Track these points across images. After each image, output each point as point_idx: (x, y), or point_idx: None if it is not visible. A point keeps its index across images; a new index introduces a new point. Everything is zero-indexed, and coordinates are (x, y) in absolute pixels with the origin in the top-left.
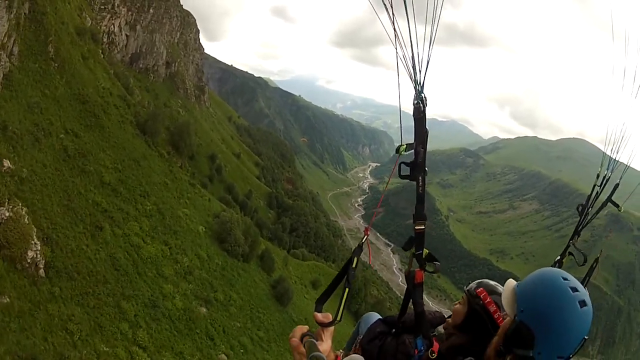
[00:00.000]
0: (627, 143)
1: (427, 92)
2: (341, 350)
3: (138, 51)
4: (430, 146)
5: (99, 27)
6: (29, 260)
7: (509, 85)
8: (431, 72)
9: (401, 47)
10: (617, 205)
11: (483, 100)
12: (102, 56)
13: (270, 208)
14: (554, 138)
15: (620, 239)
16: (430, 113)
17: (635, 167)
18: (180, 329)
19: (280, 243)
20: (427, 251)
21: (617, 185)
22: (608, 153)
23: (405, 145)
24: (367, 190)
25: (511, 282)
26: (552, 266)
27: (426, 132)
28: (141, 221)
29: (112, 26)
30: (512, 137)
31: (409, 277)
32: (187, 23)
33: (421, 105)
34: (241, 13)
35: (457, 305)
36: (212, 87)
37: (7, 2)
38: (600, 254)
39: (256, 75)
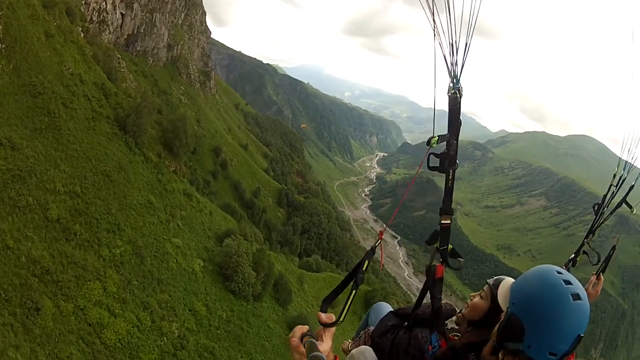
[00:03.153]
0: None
1: (431, 81)
2: (350, 341)
3: (135, 32)
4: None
5: (82, 2)
6: None
7: (519, 78)
8: (439, 63)
9: (439, 38)
10: (630, 207)
11: (492, 92)
12: (81, 35)
13: (280, 206)
14: (562, 134)
15: (628, 241)
16: (438, 105)
17: None
18: None
19: (291, 247)
20: (452, 247)
21: (632, 187)
22: (625, 154)
23: (437, 137)
24: (374, 180)
25: (510, 280)
26: (565, 264)
27: (460, 123)
28: (106, 277)
29: (104, 3)
30: (521, 131)
31: (430, 271)
32: (193, 3)
33: (458, 95)
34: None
35: (477, 299)
36: (220, 73)
37: None
38: (617, 241)
39: (265, 62)
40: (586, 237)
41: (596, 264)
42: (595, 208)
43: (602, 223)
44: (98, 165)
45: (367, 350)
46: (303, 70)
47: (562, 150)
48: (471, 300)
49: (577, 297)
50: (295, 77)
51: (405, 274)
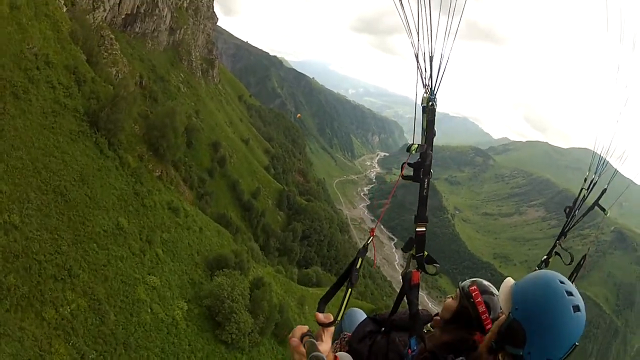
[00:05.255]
0: (615, 149)
1: (441, 87)
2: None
3: (135, 12)
4: (440, 141)
5: None
6: None
7: (525, 86)
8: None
9: (419, 52)
10: (603, 210)
11: (497, 99)
12: (63, 9)
13: (280, 209)
14: (564, 145)
15: (624, 258)
16: (441, 107)
17: (624, 174)
18: None
19: (290, 255)
20: (427, 253)
21: (604, 190)
22: (595, 158)
23: (417, 145)
24: (373, 180)
25: (509, 281)
26: (538, 265)
27: (434, 134)
28: (51, 353)
29: None
30: (524, 140)
31: (406, 277)
32: None
33: (435, 107)
34: None
35: (449, 300)
36: (225, 63)
37: None
38: (587, 251)
39: (271, 54)
40: (558, 239)
41: (569, 264)
42: (567, 211)
43: (573, 225)
44: (50, 180)
45: (345, 356)
46: (309, 64)
47: (564, 162)
48: (446, 301)
49: (577, 308)
50: (301, 71)
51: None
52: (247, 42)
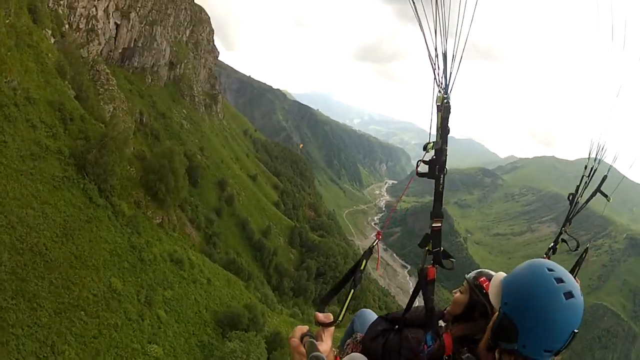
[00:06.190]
0: (612, 138)
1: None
2: (335, 349)
3: (132, 46)
4: (448, 164)
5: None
6: None
7: (526, 102)
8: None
9: (429, 47)
10: (606, 196)
11: (500, 117)
12: (50, 40)
13: (292, 246)
14: (571, 157)
15: (638, 264)
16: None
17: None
18: None
19: (305, 295)
20: (442, 248)
21: (605, 177)
22: (594, 147)
23: (432, 143)
24: (383, 209)
25: (500, 275)
26: (545, 253)
27: (448, 131)
28: None
29: (94, 9)
30: (530, 156)
31: (422, 273)
32: (199, 20)
33: (449, 105)
34: (263, 21)
35: (458, 294)
36: (229, 98)
37: None
38: (587, 248)
39: (274, 87)
40: (563, 226)
41: (575, 250)
42: (570, 198)
43: (577, 212)
44: (27, 237)
45: (358, 357)
46: (312, 96)
47: (571, 174)
48: (453, 295)
49: (569, 295)
50: (305, 103)
51: (417, 305)
52: (249, 76)
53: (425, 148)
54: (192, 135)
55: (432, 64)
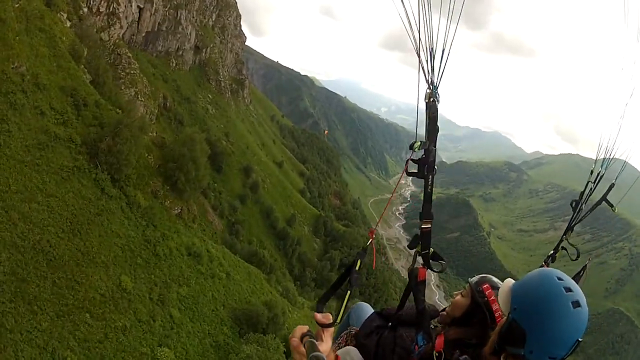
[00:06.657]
0: (621, 143)
1: (468, 100)
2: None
3: (156, 29)
4: (473, 157)
5: None
6: None
7: (554, 98)
8: (476, 81)
9: (418, 44)
10: (611, 205)
11: (528, 112)
12: (66, 23)
13: (317, 236)
14: (595, 157)
15: None
16: (474, 123)
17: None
18: None
19: (327, 287)
20: (432, 250)
21: (612, 185)
22: (602, 151)
23: (419, 142)
24: (408, 199)
25: (509, 281)
26: (544, 260)
27: (437, 130)
28: None
29: None
30: (555, 152)
31: (412, 274)
32: (226, 4)
33: (436, 102)
34: (289, 9)
35: (459, 298)
36: (257, 83)
37: None
38: (588, 261)
39: (302, 73)
40: (564, 234)
41: (575, 260)
42: (573, 205)
43: (580, 220)
44: (29, 233)
45: (352, 350)
46: (340, 83)
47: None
48: (453, 298)
49: (577, 304)
50: (333, 90)
51: (436, 297)
52: (277, 62)
53: (411, 147)
54: (217, 121)
55: (418, 58)
